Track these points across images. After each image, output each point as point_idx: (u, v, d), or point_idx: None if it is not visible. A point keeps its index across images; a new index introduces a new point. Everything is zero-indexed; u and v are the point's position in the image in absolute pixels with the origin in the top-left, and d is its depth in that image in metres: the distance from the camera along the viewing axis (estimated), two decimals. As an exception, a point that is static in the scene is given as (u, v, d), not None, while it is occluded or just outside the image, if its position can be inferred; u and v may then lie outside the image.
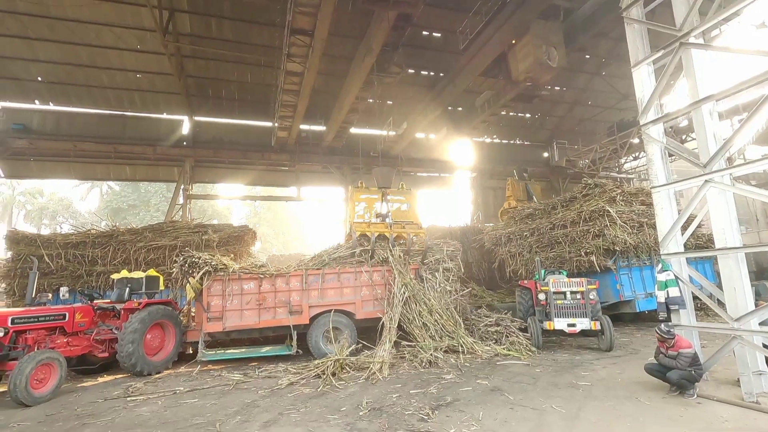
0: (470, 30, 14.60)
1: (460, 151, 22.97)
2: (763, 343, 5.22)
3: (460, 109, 20.83)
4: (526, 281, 10.99)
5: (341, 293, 9.70)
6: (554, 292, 8.83)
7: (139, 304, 8.49)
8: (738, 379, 5.41)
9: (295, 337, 9.10)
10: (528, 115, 24.59)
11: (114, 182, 36.28)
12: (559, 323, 8.62)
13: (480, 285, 15.96)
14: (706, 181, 5.70)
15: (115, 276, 9.79)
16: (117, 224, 13.86)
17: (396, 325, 9.09)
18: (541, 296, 8.97)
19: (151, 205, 36.64)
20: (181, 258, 9.17)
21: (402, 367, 7.95)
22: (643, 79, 6.74)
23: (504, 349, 8.77)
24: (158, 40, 14.76)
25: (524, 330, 9.49)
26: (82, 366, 8.45)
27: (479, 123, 19.33)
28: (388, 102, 20.02)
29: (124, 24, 15.59)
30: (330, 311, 9.38)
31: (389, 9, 11.09)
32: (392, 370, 7.71)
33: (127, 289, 9.11)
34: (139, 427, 5.26)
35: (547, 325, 8.71)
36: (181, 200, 19.03)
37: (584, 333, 8.74)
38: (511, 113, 23.82)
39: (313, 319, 9.35)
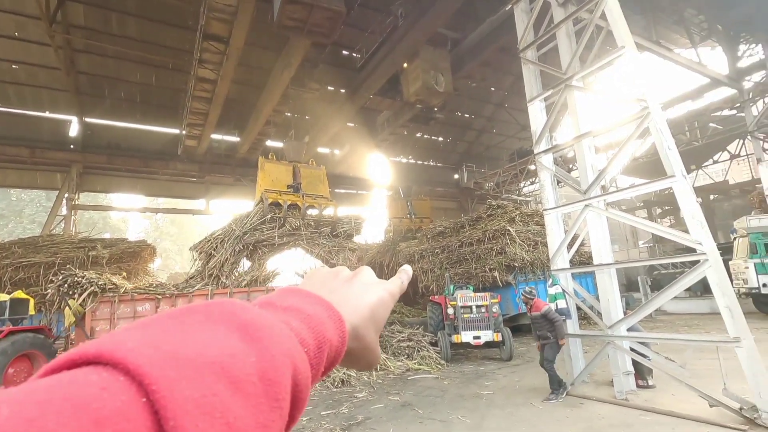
0: (366, 49, 15.23)
1: (377, 170, 23.49)
2: (630, 347, 6.03)
3: (353, 125, 20.66)
4: (436, 296, 11.46)
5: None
6: (461, 306, 9.32)
7: (0, 332, 7.18)
8: (612, 379, 6.16)
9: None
10: (441, 139, 26.10)
11: (-25, 188, 30.63)
12: (466, 336, 9.10)
13: (400, 299, 16.27)
14: (586, 205, 6.52)
15: (-32, 299, 8.17)
16: (-25, 237, 11.68)
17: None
18: (450, 310, 9.41)
19: (24, 215, 31.58)
20: (60, 277, 8.00)
21: (314, 388, 7.70)
22: (536, 113, 7.57)
23: (415, 363, 8.98)
24: (42, 29, 13.01)
25: (434, 344, 9.83)
26: None
27: (380, 141, 19.91)
28: (306, 117, 19.83)
29: (-2, 5, 13.51)
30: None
31: (304, 38, 10.96)
32: (303, 391, 7.44)
33: (-15, 314, 7.66)
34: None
35: (455, 338, 9.13)
36: (64, 211, 16.65)
37: (488, 344, 9.32)
38: (425, 136, 25.11)
39: (218, 341, 8.69)
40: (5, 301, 8.05)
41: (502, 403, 6.09)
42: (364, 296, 0.45)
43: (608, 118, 6.93)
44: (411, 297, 17.01)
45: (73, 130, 16.98)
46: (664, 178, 5.49)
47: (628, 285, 19.18)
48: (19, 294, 8.61)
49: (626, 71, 6.06)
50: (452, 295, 9.87)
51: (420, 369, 8.70)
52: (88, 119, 17.16)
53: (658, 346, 8.15)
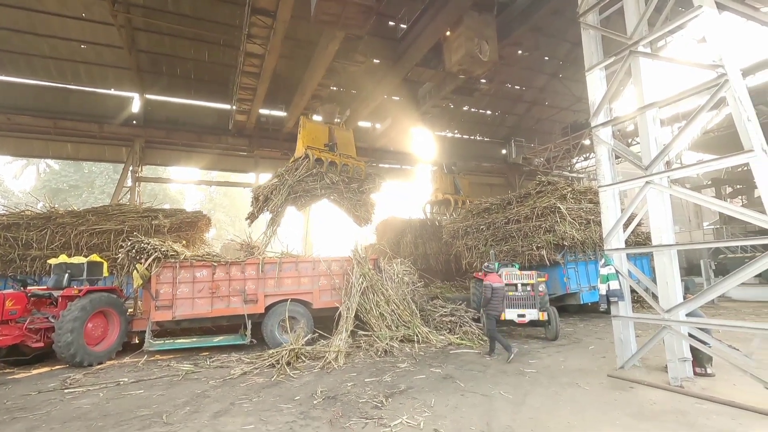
0: (408, 18, 14.66)
1: (422, 144, 23.14)
2: (688, 333, 5.70)
3: (395, 98, 20.34)
4: (480, 273, 11.34)
5: (299, 282, 9.60)
6: (506, 284, 9.18)
7: (80, 291, 7.98)
8: (666, 365, 5.89)
9: (249, 327, 8.91)
10: (488, 112, 25.19)
11: (53, 160, 33.55)
12: (510, 314, 9.00)
13: (438, 276, 16.31)
14: (647, 182, 6.10)
15: (52, 261, 9.12)
16: (56, 206, 12.87)
17: (353, 314, 9.13)
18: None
19: (95, 186, 34.30)
20: (128, 243, 8.69)
21: (358, 356, 8.00)
22: (595, 83, 7.08)
23: (457, 338, 9.04)
24: (106, 10, 13.73)
25: (477, 320, 9.82)
26: (14, 357, 7.85)
27: (423, 114, 19.41)
28: (353, 91, 19.74)
29: (67, -12, 14.35)
30: (286, 300, 9.26)
31: (338, 30, 11.39)
32: (348, 359, 7.75)
33: (66, 275, 8.52)
34: (78, 420, 4.97)
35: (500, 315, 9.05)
36: (129, 183, 17.93)
37: (532, 323, 9.17)
38: (473, 109, 24.31)
39: (268, 308, 9.19)
40: (83, 264, 8.91)
41: (547, 383, 6.03)
42: None
43: (676, 87, 6.35)
44: (453, 273, 16.96)
45: (136, 106, 18.06)
46: (741, 152, 5.00)
47: (689, 269, 18.04)
48: (95, 257, 9.48)
49: (702, 34, 5.48)
50: (497, 272, 9.74)
51: (462, 344, 8.76)
52: (148, 96, 18.15)
53: (721, 333, 7.68)
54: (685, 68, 6.03)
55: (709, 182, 24.79)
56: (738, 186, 23.85)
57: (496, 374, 6.55)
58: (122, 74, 17.28)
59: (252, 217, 12.30)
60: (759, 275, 11.54)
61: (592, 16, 7.20)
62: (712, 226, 24.82)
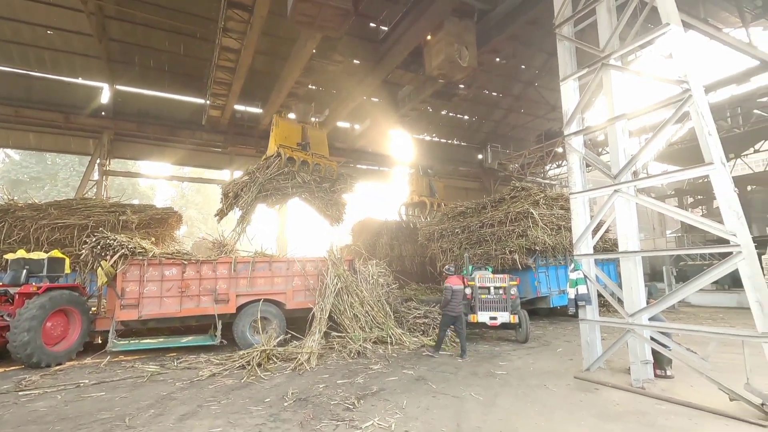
0: (390, 20, 14.74)
1: (400, 147, 23.23)
2: (650, 336, 5.94)
3: (374, 99, 20.24)
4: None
5: (272, 282, 9.46)
6: (479, 287, 9.33)
7: (39, 288, 7.61)
8: (629, 367, 6.11)
9: (219, 327, 8.71)
10: (466, 117, 25.54)
11: (13, 150, 31.88)
12: (482, 316, 9.14)
13: (413, 278, 16.41)
14: (615, 190, 6.33)
15: (9, 256, 8.66)
16: (15, 198, 12.23)
17: (327, 315, 9.06)
18: (468, 290, 9.42)
19: (59, 179, 32.82)
20: (93, 239, 8.35)
21: (331, 357, 7.95)
22: (569, 93, 7.29)
23: (431, 340, 9.10)
24: (76, -5, 13.19)
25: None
26: (-37, 357, 7.41)
27: (402, 117, 19.50)
28: (333, 91, 19.62)
29: (33, -29, 13.69)
30: (259, 300, 9.10)
31: (314, 31, 11.38)
32: (321, 360, 7.69)
33: (24, 271, 8.12)
34: (33, 424, 4.73)
35: (471, 318, 9.18)
36: (96, 176, 17.21)
37: (504, 326, 9.34)
38: (451, 114, 24.60)
39: (240, 308, 9.01)
40: (43, 260, 8.49)
41: (516, 384, 6.15)
42: None
43: (645, 100, 6.62)
44: (428, 275, 17.10)
45: (105, 97, 17.36)
46: (702, 165, 5.26)
47: (652, 275, 18.79)
48: (56, 253, 9.05)
49: (669, 50, 5.73)
50: (470, 275, 9.88)
51: (445, 349, 8.81)
52: (119, 87, 17.48)
53: (680, 337, 8.02)
54: (654, 82, 6.29)
55: (673, 192, 25.93)
56: (699, 196, 25.03)
57: (467, 376, 6.63)
58: (91, 63, 16.59)
59: (221, 214, 12.25)
60: (716, 282, 12.14)
61: (567, 28, 7.42)
62: (675, 235, 25.96)
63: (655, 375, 6.14)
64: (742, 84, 17.24)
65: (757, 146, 20.63)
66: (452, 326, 8.44)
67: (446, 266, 9.15)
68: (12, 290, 7.75)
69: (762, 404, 4.63)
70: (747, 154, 21.69)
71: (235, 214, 12.14)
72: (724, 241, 5.15)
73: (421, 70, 15.79)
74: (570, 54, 7.40)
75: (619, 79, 6.68)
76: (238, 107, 18.08)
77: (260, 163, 12.55)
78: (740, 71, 16.87)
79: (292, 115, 15.70)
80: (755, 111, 16.98)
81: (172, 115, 18.54)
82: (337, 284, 9.53)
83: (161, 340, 8.82)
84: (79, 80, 17.02)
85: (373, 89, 17.72)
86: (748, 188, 22.80)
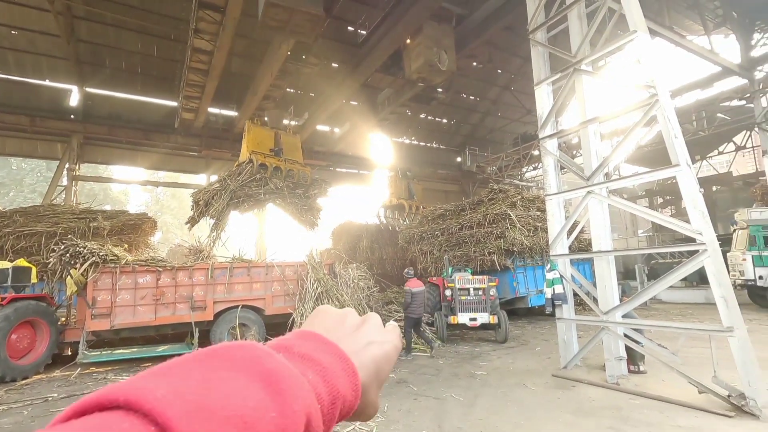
0: (369, 23, 14.82)
1: (380, 150, 23.27)
2: (624, 333, 6.11)
3: (354, 103, 20.25)
4: (435, 278, 11.55)
5: (251, 288, 9.31)
6: (459, 289, 9.41)
7: (2, 299, 7.27)
8: (604, 364, 6.27)
9: (196, 335, 8.51)
10: (444, 121, 25.81)
11: (-25, 155, 30.44)
12: (462, 317, 9.22)
13: (394, 281, 16.42)
14: (588, 192, 6.50)
15: (-29, 266, 8.24)
16: (-23, 205, 11.68)
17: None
18: (448, 292, 9.51)
19: (24, 184, 31.51)
20: (62, 247, 8.04)
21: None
22: (543, 97, 7.47)
23: (411, 343, 9.11)
24: (42, -6, 12.72)
25: (431, 324, 9.97)
26: None
27: (381, 120, 19.57)
28: (311, 94, 19.50)
29: (-4, -32, 13.13)
30: (237, 307, 8.94)
31: (287, 37, 11.39)
32: (301, 366, 7.59)
33: (-13, 281, 7.73)
34: (-4, 443, 4.51)
35: (451, 319, 9.25)
36: (65, 181, 16.59)
37: (484, 326, 9.45)
38: (429, 117, 24.80)
39: (218, 315, 8.83)
40: (7, 269, 8.11)
41: (496, 384, 6.22)
42: (371, 350, 0.44)
43: (615, 104, 6.84)
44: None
45: (74, 100, 16.76)
46: (669, 167, 5.46)
47: (626, 273, 19.34)
48: (21, 262, 8.66)
49: (637, 57, 5.95)
50: (450, 277, 9.96)
51: (416, 348, 8.85)
52: (88, 89, 16.91)
53: (652, 333, 8.27)
54: (624, 87, 6.51)
55: (644, 193, 26.81)
56: (668, 197, 25.97)
57: (448, 377, 6.67)
58: (59, 64, 16.00)
59: (192, 222, 12.14)
60: (684, 279, 12.60)
61: (541, 34, 7.61)
62: (646, 234, 26.83)
63: (629, 371, 6.32)
64: (706, 89, 18.04)
65: (721, 148, 21.60)
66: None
67: (405, 270, 9.28)
68: (-27, 302, 7.37)
69: (728, 396, 4.82)
70: (712, 156, 22.65)
71: (207, 221, 11.98)
72: (691, 240, 5.35)
73: (400, 74, 15.88)
74: (543, 59, 7.58)
75: (590, 84, 6.88)
76: (213, 110, 17.78)
77: (232, 170, 12.47)
78: (704, 77, 17.65)
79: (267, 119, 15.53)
80: (719, 114, 17.77)
81: (145, 118, 18.06)
82: (317, 289, 9.45)
83: (135, 350, 8.55)
84: (46, 82, 16.39)
85: (352, 92, 17.69)
86: (713, 188, 23.80)
